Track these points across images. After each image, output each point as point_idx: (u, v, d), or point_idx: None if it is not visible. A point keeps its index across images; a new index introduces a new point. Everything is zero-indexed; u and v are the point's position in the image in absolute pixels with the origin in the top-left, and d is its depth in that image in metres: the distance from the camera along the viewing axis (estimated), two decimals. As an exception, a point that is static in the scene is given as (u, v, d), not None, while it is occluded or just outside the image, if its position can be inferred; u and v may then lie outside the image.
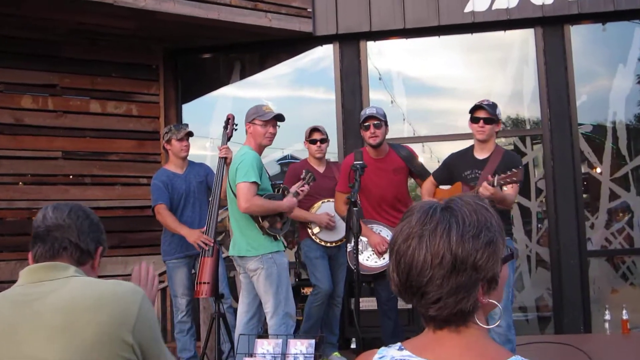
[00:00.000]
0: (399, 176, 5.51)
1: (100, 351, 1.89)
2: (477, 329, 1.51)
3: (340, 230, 5.84)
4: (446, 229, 1.47)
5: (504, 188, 4.59)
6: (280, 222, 4.98)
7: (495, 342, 1.56)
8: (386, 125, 5.42)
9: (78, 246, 2.15)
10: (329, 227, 5.83)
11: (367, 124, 5.34)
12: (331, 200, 5.78)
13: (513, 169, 4.57)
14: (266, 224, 4.86)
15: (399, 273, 1.51)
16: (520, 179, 4.56)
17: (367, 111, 5.42)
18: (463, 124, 5.44)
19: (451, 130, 7.46)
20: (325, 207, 5.91)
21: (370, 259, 5.38)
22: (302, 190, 5.22)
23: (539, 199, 7.41)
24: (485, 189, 4.54)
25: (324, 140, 6.10)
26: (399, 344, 1.55)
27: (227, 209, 5.28)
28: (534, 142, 7.56)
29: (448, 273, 1.45)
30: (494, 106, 5.00)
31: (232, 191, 4.89)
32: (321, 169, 6.08)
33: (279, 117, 5.03)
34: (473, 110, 5.02)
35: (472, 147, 5.13)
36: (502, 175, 4.53)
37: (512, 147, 7.50)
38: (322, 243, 5.89)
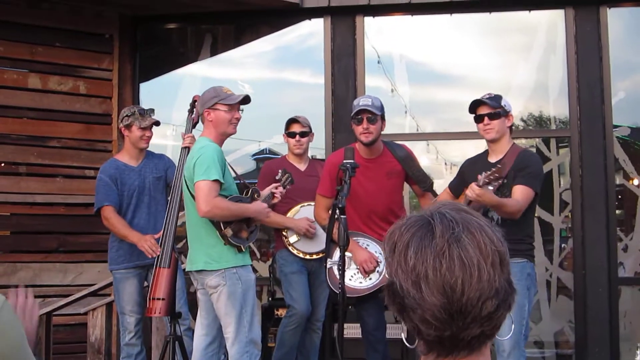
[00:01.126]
0: (394, 181, 5.47)
1: None
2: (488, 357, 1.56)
3: (322, 240, 5.80)
4: (479, 226, 1.54)
5: (489, 187, 4.55)
6: (246, 230, 4.93)
7: None
8: (383, 119, 5.38)
9: None
10: (308, 234, 5.81)
11: (359, 117, 5.29)
12: (312, 203, 5.74)
13: (498, 165, 4.56)
14: (229, 232, 4.82)
15: (439, 304, 1.49)
16: (502, 174, 4.51)
17: (360, 102, 5.36)
18: (476, 120, 5.43)
19: (461, 127, 7.40)
20: (305, 212, 5.89)
21: (354, 279, 5.33)
22: (276, 194, 5.19)
23: (563, 213, 7.43)
24: (470, 189, 4.53)
25: (305, 134, 6.08)
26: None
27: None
28: (560, 145, 7.58)
29: (496, 275, 1.50)
30: (497, 98, 5.00)
31: (190, 192, 4.85)
32: (302, 167, 6.07)
33: (246, 100, 5.00)
34: (473, 108, 5.04)
35: (487, 151, 5.14)
36: (487, 173, 4.51)
37: (534, 149, 7.50)
38: (301, 255, 5.87)
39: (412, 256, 1.52)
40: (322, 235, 5.73)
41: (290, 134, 6.05)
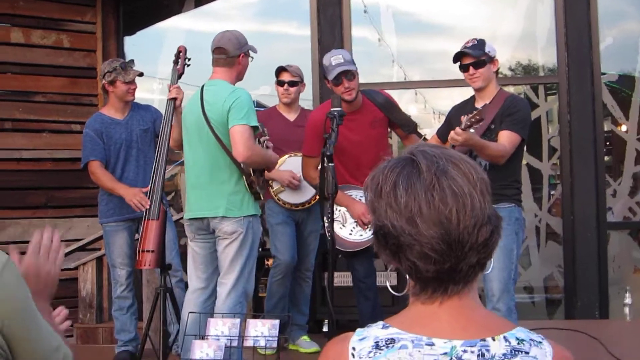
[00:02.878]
0: (378, 129, 5.40)
1: None
2: (475, 299, 1.57)
3: (308, 191, 5.81)
4: (460, 158, 1.56)
5: (471, 130, 4.54)
6: (261, 180, 4.96)
7: (494, 313, 1.59)
8: (356, 70, 5.31)
9: None
10: (291, 186, 5.80)
11: (337, 79, 5.20)
12: (299, 154, 5.71)
13: (479, 108, 4.55)
14: (257, 179, 4.85)
15: (437, 236, 1.50)
16: (482, 117, 4.49)
17: (332, 61, 5.21)
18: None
19: (448, 76, 7.35)
20: (290, 162, 5.85)
21: (354, 232, 5.32)
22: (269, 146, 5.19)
23: (551, 160, 7.45)
24: (455, 133, 4.51)
25: (294, 83, 6.03)
26: (381, 322, 1.57)
27: (178, 163, 5.22)
28: (548, 92, 7.58)
29: (486, 202, 1.53)
30: (480, 44, 4.95)
31: (215, 133, 4.81)
32: (291, 117, 6.04)
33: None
34: (457, 59, 5.00)
35: (473, 97, 5.12)
36: (468, 116, 4.50)
37: (522, 97, 7.48)
38: (286, 206, 5.87)
39: (402, 194, 1.53)
40: (308, 186, 5.72)
41: (279, 82, 6.02)
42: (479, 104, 4.96)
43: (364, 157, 5.28)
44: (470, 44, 4.98)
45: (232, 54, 4.92)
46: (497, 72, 5.08)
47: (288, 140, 5.78)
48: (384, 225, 1.54)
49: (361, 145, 5.29)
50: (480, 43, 4.96)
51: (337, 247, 5.25)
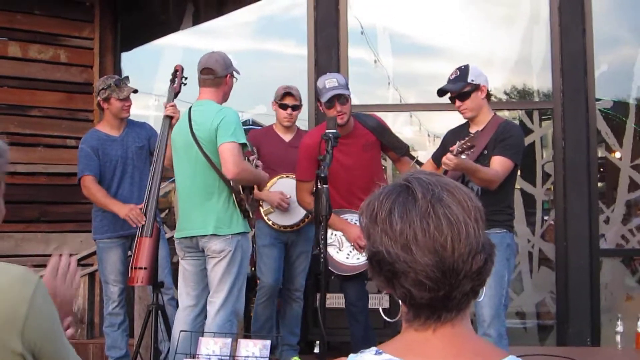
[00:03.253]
0: (371, 153, 5.41)
1: None
2: (467, 326, 1.58)
3: (298, 213, 5.84)
4: (455, 186, 1.58)
5: (463, 157, 4.56)
6: (251, 198, 4.98)
7: (486, 340, 1.60)
8: (349, 95, 5.34)
9: None
10: (281, 208, 5.81)
11: (330, 103, 5.20)
12: (291, 175, 5.74)
13: (471, 134, 4.56)
14: (246, 197, 4.88)
15: (432, 263, 1.51)
16: (474, 144, 4.50)
17: (326, 84, 5.23)
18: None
19: (444, 99, 7.38)
20: (282, 184, 5.86)
21: (351, 256, 5.32)
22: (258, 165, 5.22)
23: (545, 185, 7.46)
24: (447, 158, 4.52)
25: (297, 107, 6.07)
26: (374, 347, 1.57)
27: (172, 180, 5.23)
28: (543, 117, 7.59)
29: (480, 230, 1.54)
30: (462, 75, 4.93)
31: (204, 152, 4.83)
32: (287, 138, 6.05)
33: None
34: (441, 94, 5.04)
35: (468, 122, 5.13)
36: (460, 142, 4.52)
37: (517, 122, 7.50)
38: (275, 227, 5.87)
39: (397, 221, 1.53)
40: (297, 208, 5.75)
41: (282, 106, 6.01)
42: (472, 129, 4.96)
43: (357, 181, 5.29)
44: (453, 76, 4.97)
45: (219, 75, 5.00)
46: (488, 97, 5.05)
47: (283, 161, 5.81)
48: (379, 251, 1.55)
49: (354, 169, 5.30)
50: (463, 73, 4.94)
51: (334, 270, 5.26)
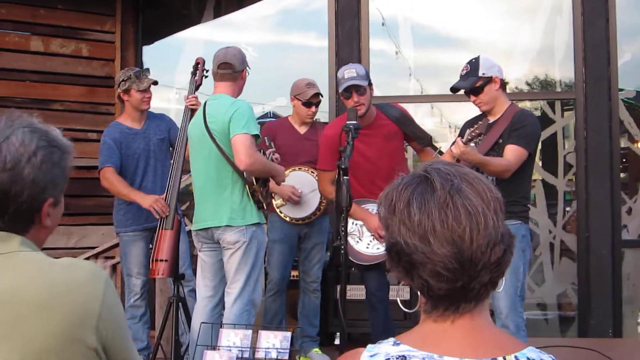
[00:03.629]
0: (393, 143, 5.39)
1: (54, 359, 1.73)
2: (486, 318, 1.58)
3: (310, 206, 5.86)
4: (474, 176, 1.58)
5: (472, 144, 4.54)
6: (265, 189, 4.98)
7: (505, 332, 1.59)
8: (371, 85, 5.30)
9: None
10: (291, 201, 5.81)
11: (347, 93, 5.20)
12: (303, 168, 5.77)
13: (480, 122, 4.55)
14: (260, 189, 4.88)
15: (450, 254, 1.51)
16: (482, 131, 4.51)
17: (345, 74, 5.24)
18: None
19: (465, 90, 7.42)
20: (293, 176, 5.84)
21: (371, 246, 5.32)
22: (275, 159, 5.23)
23: (567, 176, 7.42)
24: (456, 146, 4.52)
25: (319, 103, 6.06)
26: (392, 338, 1.57)
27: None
28: (565, 108, 7.55)
29: (499, 221, 1.54)
30: (473, 69, 4.90)
31: (218, 145, 4.86)
32: (302, 130, 6.04)
33: None
34: (454, 91, 5.04)
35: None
36: (470, 129, 4.50)
37: (539, 112, 7.47)
38: (287, 219, 5.88)
39: (416, 212, 1.53)
40: (309, 201, 5.81)
41: (307, 104, 5.97)
42: (490, 119, 4.97)
43: (378, 171, 5.28)
44: (464, 72, 4.94)
45: (237, 69, 5.05)
46: (504, 86, 5.03)
47: (297, 153, 5.80)
48: (397, 242, 1.55)
49: (375, 159, 5.29)
50: (474, 67, 4.92)
51: (354, 260, 5.26)
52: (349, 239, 5.17)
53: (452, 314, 1.54)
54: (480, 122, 4.52)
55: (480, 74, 4.88)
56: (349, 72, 5.24)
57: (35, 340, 1.72)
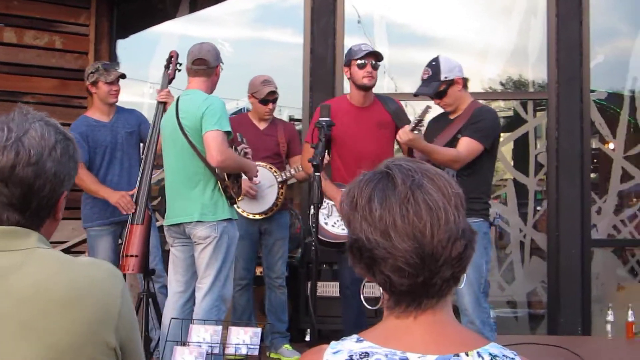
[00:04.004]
0: (384, 131, 5.35)
1: (74, 358, 1.71)
2: (449, 314, 1.58)
3: (267, 201, 5.89)
4: (435, 172, 1.58)
5: (415, 132, 4.59)
6: (237, 185, 4.97)
7: (468, 328, 1.60)
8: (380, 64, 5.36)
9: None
10: (248, 195, 5.80)
11: (364, 61, 5.19)
12: (262, 164, 5.81)
13: (422, 109, 4.61)
14: (231, 184, 4.87)
15: (411, 249, 1.51)
16: (422, 117, 4.58)
17: (362, 47, 5.25)
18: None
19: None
20: None
21: (337, 225, 5.31)
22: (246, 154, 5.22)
23: (538, 175, 7.45)
24: (403, 132, 4.59)
25: (276, 100, 6.06)
26: (355, 335, 1.57)
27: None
28: (537, 108, 7.59)
29: (460, 216, 1.54)
30: (434, 73, 4.94)
31: (189, 140, 4.85)
32: (262, 126, 6.05)
33: None
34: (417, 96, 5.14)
35: None
36: (415, 117, 4.59)
37: (511, 112, 7.50)
38: (245, 214, 5.87)
39: (377, 207, 1.54)
40: (267, 196, 5.85)
41: (264, 101, 5.97)
42: (452, 115, 5.02)
43: (365, 151, 5.17)
44: (426, 76, 4.99)
45: (211, 65, 5.05)
46: (465, 85, 5.06)
47: (256, 149, 5.77)
48: (359, 238, 1.55)
49: (364, 139, 5.26)
50: (435, 71, 4.95)
51: (321, 237, 5.23)
52: (321, 220, 5.19)
53: (414, 310, 1.54)
54: (423, 110, 4.57)
55: (442, 78, 4.92)
56: (366, 45, 5.30)
57: (57, 337, 1.70)
